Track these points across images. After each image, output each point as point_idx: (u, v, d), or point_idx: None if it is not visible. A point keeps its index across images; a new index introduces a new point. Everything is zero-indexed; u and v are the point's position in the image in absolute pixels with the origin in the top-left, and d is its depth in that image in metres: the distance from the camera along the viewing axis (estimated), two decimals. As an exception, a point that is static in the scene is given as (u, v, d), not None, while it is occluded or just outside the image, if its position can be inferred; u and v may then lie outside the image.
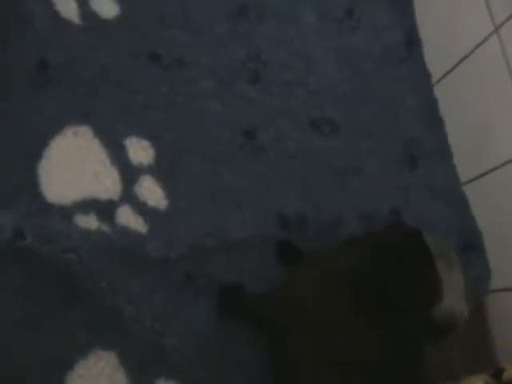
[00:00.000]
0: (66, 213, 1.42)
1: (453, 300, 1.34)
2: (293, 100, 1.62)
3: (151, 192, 1.48)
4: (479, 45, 1.56)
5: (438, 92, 1.73)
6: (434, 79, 1.74)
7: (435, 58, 1.74)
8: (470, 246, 1.61)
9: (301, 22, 1.69)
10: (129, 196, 1.47)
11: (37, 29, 1.51)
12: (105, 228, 1.42)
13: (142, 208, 1.46)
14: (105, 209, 1.44)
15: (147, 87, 1.54)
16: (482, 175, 1.61)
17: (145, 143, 1.51)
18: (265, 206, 1.51)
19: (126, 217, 1.45)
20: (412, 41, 1.74)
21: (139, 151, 1.50)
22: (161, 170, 1.50)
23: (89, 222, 1.43)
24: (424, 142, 1.67)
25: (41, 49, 1.50)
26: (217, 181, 1.52)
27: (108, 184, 1.46)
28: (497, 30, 1.50)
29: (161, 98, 1.55)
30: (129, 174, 1.48)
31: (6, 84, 1.46)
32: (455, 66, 1.66)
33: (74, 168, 1.46)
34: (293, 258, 1.45)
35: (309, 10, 1.70)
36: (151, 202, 1.47)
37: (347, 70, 1.68)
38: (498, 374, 1.29)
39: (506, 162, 1.52)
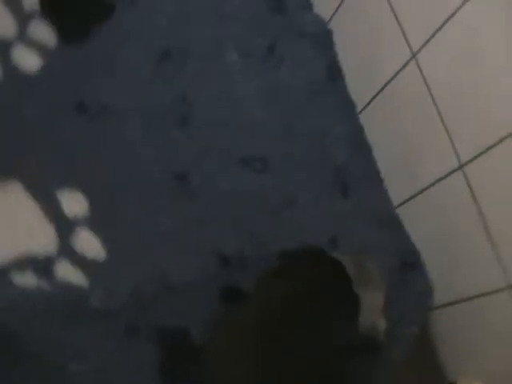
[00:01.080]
0: (2, 272, 1.39)
1: (368, 317, 1.42)
2: (222, 139, 1.64)
3: (89, 243, 1.47)
4: (399, 71, 1.62)
5: (364, 119, 1.77)
6: (359, 107, 1.79)
7: (358, 87, 1.78)
8: (409, 265, 1.63)
9: (224, 63, 1.71)
10: (66, 250, 1.45)
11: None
12: (44, 284, 1.40)
13: (80, 261, 1.45)
14: (42, 265, 1.42)
15: (75, 138, 1.54)
16: (415, 195, 1.66)
17: (77, 195, 1.50)
18: (204, 247, 1.51)
19: (65, 271, 1.43)
20: (334, 73, 1.78)
21: (73, 203, 1.49)
22: (96, 221, 1.49)
23: (27, 279, 1.40)
24: (353, 168, 1.70)
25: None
26: (154, 226, 1.52)
27: (43, 239, 1.45)
28: (414, 55, 1.56)
29: (89, 148, 1.55)
30: (64, 227, 1.47)
31: None
32: (378, 93, 1.71)
33: (6, 225, 1.44)
34: (235, 297, 1.46)
35: (230, 50, 1.72)
36: (90, 254, 1.46)
37: (274, 106, 1.71)
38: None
39: (437, 181, 1.57)
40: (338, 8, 1.82)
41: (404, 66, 1.59)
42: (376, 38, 1.70)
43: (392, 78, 1.64)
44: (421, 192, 1.64)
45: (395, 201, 1.72)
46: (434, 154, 1.57)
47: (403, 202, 1.71)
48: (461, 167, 1.47)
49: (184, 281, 1.46)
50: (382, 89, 1.69)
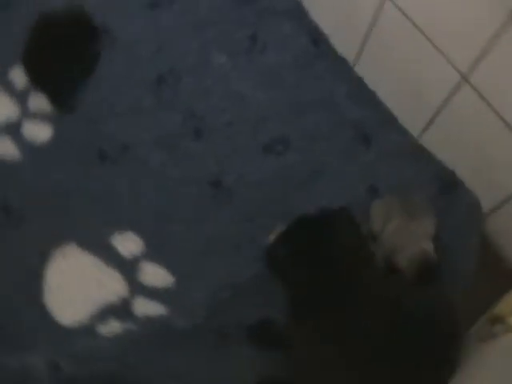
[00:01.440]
0: (88, 329, 1.48)
1: (417, 245, 1.51)
2: (239, 137, 1.70)
3: (155, 274, 1.55)
4: (378, 12, 1.65)
5: (360, 70, 1.82)
6: (352, 60, 1.83)
7: (344, 42, 1.82)
8: (449, 185, 1.69)
9: (215, 67, 1.78)
10: (137, 287, 1.53)
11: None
12: (128, 325, 1.48)
13: (153, 292, 1.53)
14: (121, 309, 1.51)
15: (107, 184, 1.63)
16: (431, 121, 1.69)
17: (128, 234, 1.58)
18: (257, 239, 1.57)
19: (143, 306, 1.51)
20: (316, 39, 1.83)
21: (127, 244, 1.57)
22: (154, 251, 1.57)
23: (111, 327, 1.49)
24: (366, 118, 1.75)
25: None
26: (205, 236, 1.59)
27: (114, 285, 1.53)
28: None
29: (123, 188, 1.63)
30: (127, 268, 1.55)
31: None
32: (364, 40, 1.74)
33: (77, 284, 1.53)
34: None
35: (217, 54, 1.79)
36: (159, 283, 1.54)
37: (273, 90, 1.77)
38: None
39: (446, 100, 1.61)
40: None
41: (381, 6, 1.63)
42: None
43: (374, 22, 1.68)
44: (436, 115, 1.68)
45: (415, 133, 1.77)
46: (435, 76, 1.61)
47: (423, 131, 1.75)
48: (464, 79, 1.52)
49: (252, 274, 1.54)
50: (368, 34, 1.73)
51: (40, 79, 1.70)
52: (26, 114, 1.70)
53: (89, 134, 1.67)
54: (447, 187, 1.70)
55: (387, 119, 1.78)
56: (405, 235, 1.56)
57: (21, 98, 1.72)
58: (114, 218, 1.59)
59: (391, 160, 1.73)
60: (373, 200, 1.65)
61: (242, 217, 1.62)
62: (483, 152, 1.61)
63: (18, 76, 1.73)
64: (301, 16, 1.85)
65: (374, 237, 1.60)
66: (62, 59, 1.67)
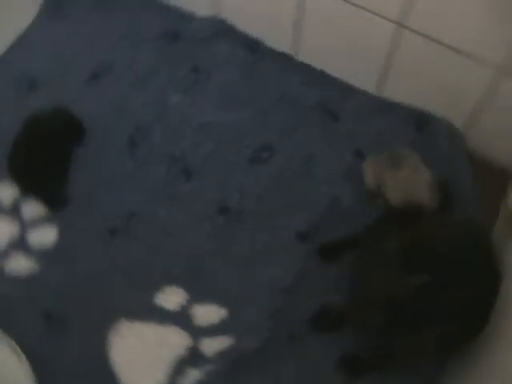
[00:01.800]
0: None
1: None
2: (225, 159, 1.81)
3: (209, 313, 1.60)
4: None
5: (304, 57, 1.96)
6: (294, 52, 1.96)
7: (279, 39, 1.96)
8: (423, 122, 1.85)
9: (175, 107, 1.87)
10: (197, 332, 1.58)
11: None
12: (206, 367, 1.54)
13: (214, 329, 1.59)
14: (192, 357, 1.55)
15: (127, 256, 1.68)
16: (387, 71, 1.82)
17: (168, 289, 1.63)
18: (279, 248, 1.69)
19: (211, 345, 1.56)
20: (250, 46, 1.98)
21: (171, 298, 1.62)
22: (197, 294, 1.62)
23: (192, 375, 1.54)
24: (327, 95, 1.90)
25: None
26: (234, 262, 1.67)
27: (176, 340, 1.57)
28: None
29: (142, 252, 1.69)
30: (181, 318, 1.60)
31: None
32: (299, 28, 1.85)
33: (143, 354, 1.57)
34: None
35: (172, 94, 1.89)
36: (217, 319, 1.60)
37: (234, 105, 1.89)
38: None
39: (392, 49, 1.74)
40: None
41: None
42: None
43: (302, 12, 1.80)
44: (389, 68, 1.81)
45: (374, 91, 1.90)
46: (375, 34, 1.73)
47: (382, 86, 1.88)
48: (401, 25, 1.65)
49: (296, 274, 1.63)
50: (300, 21, 1.84)
51: (29, 183, 1.73)
52: (24, 225, 1.72)
53: (91, 216, 1.72)
54: (422, 124, 1.84)
55: (344, 89, 1.91)
56: (404, 182, 1.67)
57: (13, 212, 1.74)
58: (149, 281, 1.64)
59: (363, 122, 1.86)
60: (361, 163, 1.76)
61: (259, 228, 1.70)
62: (441, 81, 1.74)
63: (4, 191, 1.76)
64: (230, 32, 1.97)
65: (373, 195, 1.71)
66: (49, 159, 1.72)
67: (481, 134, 1.81)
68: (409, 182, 1.66)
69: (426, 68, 1.73)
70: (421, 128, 1.84)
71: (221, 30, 1.98)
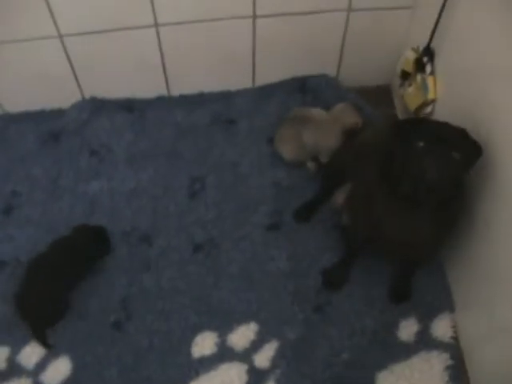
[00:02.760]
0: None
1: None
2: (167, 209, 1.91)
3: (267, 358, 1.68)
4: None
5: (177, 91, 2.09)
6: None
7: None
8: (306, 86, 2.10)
9: (98, 195, 1.94)
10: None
11: None
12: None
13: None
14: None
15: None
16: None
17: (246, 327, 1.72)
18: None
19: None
20: (131, 106, 2.10)
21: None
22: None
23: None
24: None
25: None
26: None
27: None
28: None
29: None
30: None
31: None
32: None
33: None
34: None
35: (90, 182, 1.96)
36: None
37: (149, 165, 2.01)
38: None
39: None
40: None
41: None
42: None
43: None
44: (256, 55, 2.01)
45: (251, 84, 2.12)
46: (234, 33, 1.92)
47: (255, 76, 2.09)
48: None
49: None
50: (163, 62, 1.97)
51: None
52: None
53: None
54: (304, 86, 2.10)
55: (226, 96, 2.12)
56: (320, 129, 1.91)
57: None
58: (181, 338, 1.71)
59: (257, 112, 2.09)
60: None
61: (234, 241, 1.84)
62: (300, 45, 1.99)
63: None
64: (101, 104, 2.09)
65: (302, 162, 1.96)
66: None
67: (349, 71, 2.09)
68: (323, 128, 1.89)
69: (285, 41, 1.94)
70: (304, 90, 2.07)
71: (94, 108, 2.08)
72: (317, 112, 1.93)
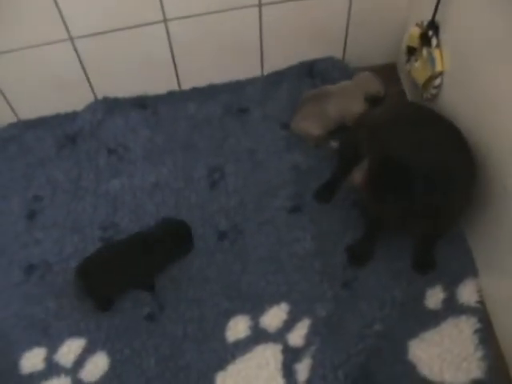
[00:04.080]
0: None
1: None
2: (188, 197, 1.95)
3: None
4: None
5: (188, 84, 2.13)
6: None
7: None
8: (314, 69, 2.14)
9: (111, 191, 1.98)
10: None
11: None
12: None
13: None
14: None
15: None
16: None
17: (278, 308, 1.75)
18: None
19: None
20: (144, 103, 2.15)
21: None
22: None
23: None
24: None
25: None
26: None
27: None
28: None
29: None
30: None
31: None
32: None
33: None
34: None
35: (110, 181, 1.99)
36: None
37: (170, 155, 2.04)
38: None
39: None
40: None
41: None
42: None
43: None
44: (263, 45, 2.05)
45: (260, 73, 2.15)
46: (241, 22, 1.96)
47: (263, 64, 2.13)
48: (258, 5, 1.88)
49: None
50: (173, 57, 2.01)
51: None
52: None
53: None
54: (312, 70, 2.14)
55: (235, 86, 2.16)
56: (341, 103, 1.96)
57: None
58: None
59: (269, 100, 2.13)
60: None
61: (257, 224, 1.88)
62: (309, 29, 2.02)
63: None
64: (116, 104, 2.13)
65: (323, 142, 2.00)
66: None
67: (355, 52, 2.13)
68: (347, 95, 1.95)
69: (290, 27, 1.98)
70: (312, 74, 2.12)
71: (107, 108, 2.11)
72: (335, 86, 1.98)
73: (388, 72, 2.17)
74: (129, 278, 1.77)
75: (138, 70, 2.03)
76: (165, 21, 1.87)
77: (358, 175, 1.78)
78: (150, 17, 1.86)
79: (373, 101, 1.92)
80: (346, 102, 1.93)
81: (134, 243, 1.78)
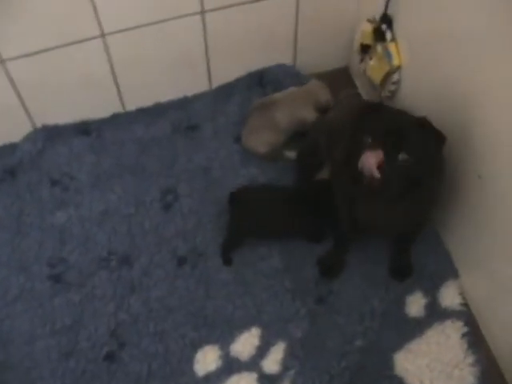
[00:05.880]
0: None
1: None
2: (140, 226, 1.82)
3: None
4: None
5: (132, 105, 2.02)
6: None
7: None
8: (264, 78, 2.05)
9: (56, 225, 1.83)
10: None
11: None
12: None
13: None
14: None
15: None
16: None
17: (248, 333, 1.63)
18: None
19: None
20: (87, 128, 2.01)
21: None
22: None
23: None
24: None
25: None
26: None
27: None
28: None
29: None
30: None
31: None
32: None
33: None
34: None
35: (54, 213, 1.84)
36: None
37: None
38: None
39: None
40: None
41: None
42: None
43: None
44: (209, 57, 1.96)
45: (207, 87, 2.05)
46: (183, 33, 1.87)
47: (210, 78, 2.03)
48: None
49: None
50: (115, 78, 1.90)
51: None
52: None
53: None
54: (262, 79, 2.05)
55: (184, 102, 2.04)
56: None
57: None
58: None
59: (219, 114, 2.03)
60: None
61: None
62: (253, 36, 1.94)
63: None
64: (56, 132, 1.98)
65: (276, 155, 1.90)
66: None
67: (306, 58, 2.05)
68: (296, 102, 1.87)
69: (237, 35, 1.89)
70: (263, 83, 2.03)
71: (48, 136, 1.96)
72: (282, 93, 1.90)
73: (341, 76, 2.10)
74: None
75: (77, 93, 1.89)
76: (102, 35, 1.74)
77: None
78: (87, 31, 1.73)
79: (322, 110, 1.85)
80: (294, 108, 1.85)
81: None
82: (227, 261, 1.72)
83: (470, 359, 1.55)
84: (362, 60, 1.86)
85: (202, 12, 1.77)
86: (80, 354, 1.61)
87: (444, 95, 1.52)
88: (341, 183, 1.53)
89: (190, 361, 1.59)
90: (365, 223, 1.53)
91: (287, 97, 1.87)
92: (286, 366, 1.57)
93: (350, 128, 1.40)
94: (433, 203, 1.55)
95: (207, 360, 1.59)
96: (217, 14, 1.79)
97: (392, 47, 1.68)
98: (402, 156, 1.29)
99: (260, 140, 1.86)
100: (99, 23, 1.72)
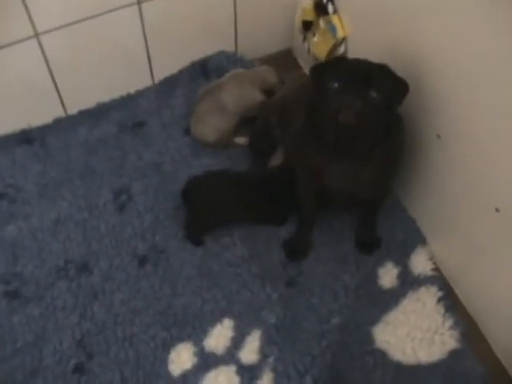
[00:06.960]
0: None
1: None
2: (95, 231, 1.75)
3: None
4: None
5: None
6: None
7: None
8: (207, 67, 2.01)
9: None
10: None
11: None
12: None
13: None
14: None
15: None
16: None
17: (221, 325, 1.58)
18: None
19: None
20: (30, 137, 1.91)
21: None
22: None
23: None
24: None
25: None
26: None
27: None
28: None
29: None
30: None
31: None
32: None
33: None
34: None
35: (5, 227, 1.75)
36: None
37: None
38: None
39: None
40: None
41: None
42: None
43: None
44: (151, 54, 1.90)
45: (150, 82, 2.00)
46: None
47: (153, 73, 1.98)
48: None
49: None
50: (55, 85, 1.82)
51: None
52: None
53: None
54: (205, 68, 2.00)
55: (128, 99, 1.99)
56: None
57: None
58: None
59: (165, 107, 1.97)
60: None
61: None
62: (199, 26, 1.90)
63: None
64: None
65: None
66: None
67: (248, 42, 2.01)
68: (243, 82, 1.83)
69: (176, 25, 1.84)
70: (206, 72, 1.98)
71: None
72: (228, 75, 1.85)
73: (284, 59, 2.07)
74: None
75: (16, 100, 1.80)
76: (36, 35, 1.66)
77: (276, 161, 1.68)
78: (19, 32, 1.64)
79: (269, 92, 1.82)
80: (241, 90, 1.81)
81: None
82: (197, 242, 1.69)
83: (449, 323, 1.53)
84: (304, 38, 1.84)
85: (139, 2, 1.71)
86: (47, 371, 1.52)
87: (391, 59, 1.47)
88: (302, 155, 1.49)
89: (163, 362, 1.53)
90: (331, 190, 1.50)
91: (234, 78, 1.82)
92: (264, 353, 1.52)
93: (313, 82, 1.39)
94: (398, 163, 1.53)
95: (182, 359, 1.54)
96: (153, 3, 1.73)
97: (335, 19, 1.66)
98: (372, 93, 1.29)
99: (209, 127, 1.82)
100: (31, 22, 1.63)
